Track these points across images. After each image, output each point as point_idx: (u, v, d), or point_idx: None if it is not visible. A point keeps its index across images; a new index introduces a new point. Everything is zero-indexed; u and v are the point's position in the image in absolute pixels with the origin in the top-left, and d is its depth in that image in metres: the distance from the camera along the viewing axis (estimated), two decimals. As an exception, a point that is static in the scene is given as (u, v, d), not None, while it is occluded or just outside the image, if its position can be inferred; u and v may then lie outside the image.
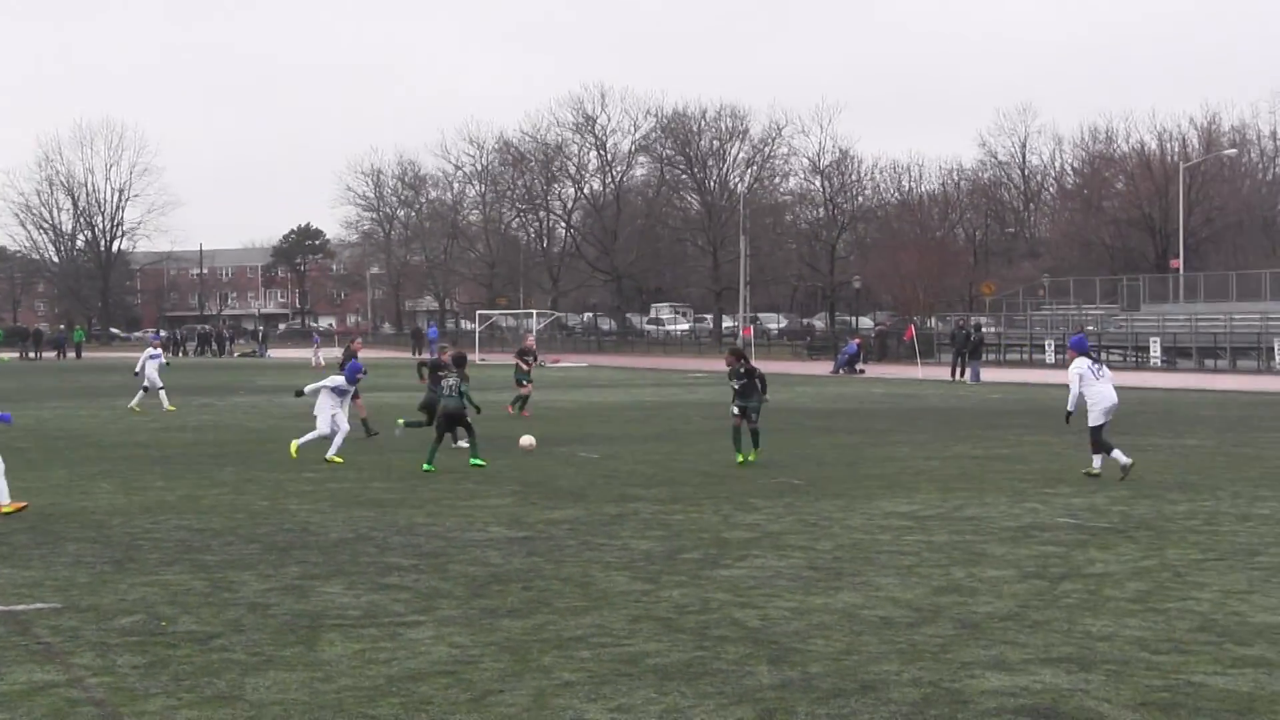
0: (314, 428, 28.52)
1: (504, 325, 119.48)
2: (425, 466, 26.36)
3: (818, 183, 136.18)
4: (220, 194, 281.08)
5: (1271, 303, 78.52)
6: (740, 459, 27.13)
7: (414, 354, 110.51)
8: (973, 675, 11.18)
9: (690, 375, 72.64)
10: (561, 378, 68.64)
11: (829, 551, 17.12)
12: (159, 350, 47.68)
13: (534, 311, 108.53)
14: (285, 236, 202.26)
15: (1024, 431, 34.90)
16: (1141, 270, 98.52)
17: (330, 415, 28.43)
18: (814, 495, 22.54)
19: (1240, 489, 23.10)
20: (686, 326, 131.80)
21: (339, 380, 28.97)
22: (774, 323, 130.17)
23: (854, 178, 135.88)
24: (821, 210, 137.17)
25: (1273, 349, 72.88)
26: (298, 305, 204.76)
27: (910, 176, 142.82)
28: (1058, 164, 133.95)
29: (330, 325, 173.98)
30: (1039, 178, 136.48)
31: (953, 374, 66.68)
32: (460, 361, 27.99)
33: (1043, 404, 42.87)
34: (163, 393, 44.41)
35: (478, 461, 26.74)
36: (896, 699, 10.51)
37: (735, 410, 27.44)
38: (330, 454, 27.82)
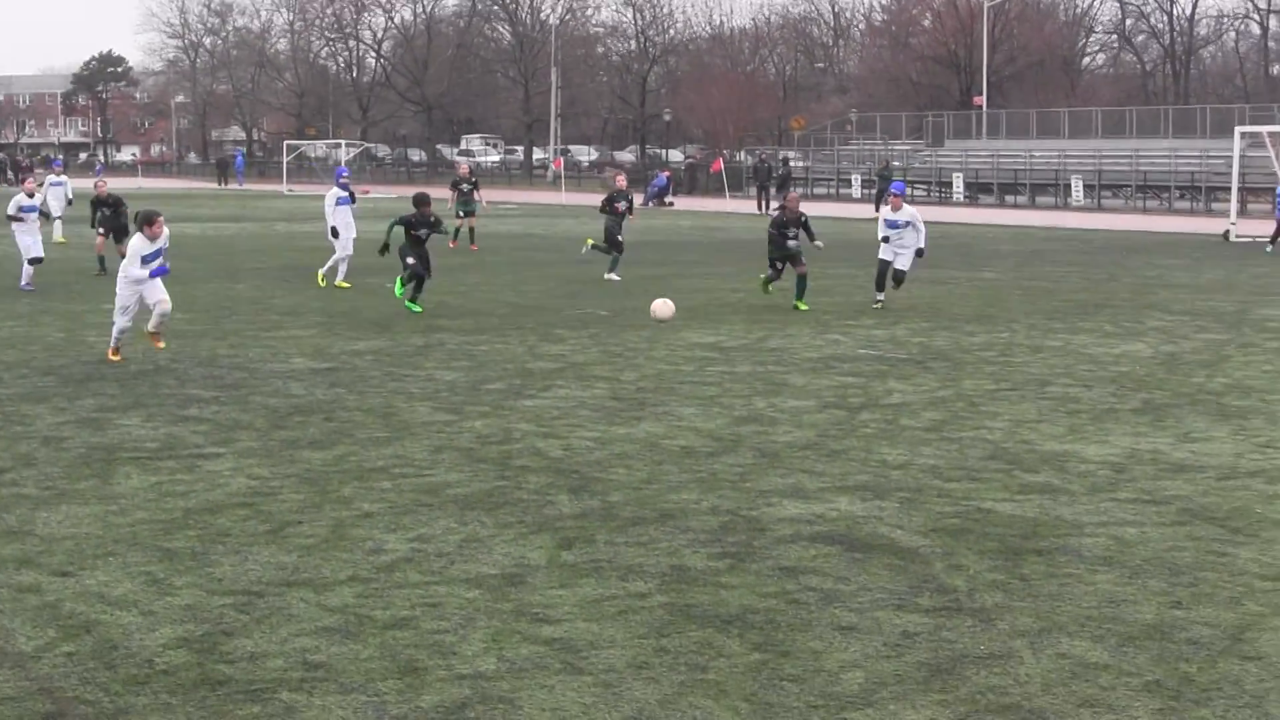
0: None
1: (312, 156, 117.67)
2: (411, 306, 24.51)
3: (629, 15, 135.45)
4: (13, 15, 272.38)
5: (1070, 140, 79.73)
6: (803, 305, 25.20)
7: (220, 184, 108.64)
8: (770, 503, 11.36)
9: (501, 206, 72.26)
10: (371, 209, 67.97)
11: (633, 382, 17.23)
12: (62, 178, 45.75)
13: (343, 142, 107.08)
14: (86, 64, 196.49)
15: (829, 264, 35.15)
16: (946, 107, 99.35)
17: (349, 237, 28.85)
18: (619, 326, 22.62)
19: (1035, 321, 23.56)
20: (497, 158, 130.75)
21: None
22: (585, 155, 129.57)
23: (665, 10, 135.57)
24: (633, 43, 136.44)
25: (1070, 185, 74.14)
26: (100, 134, 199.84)
27: (721, 10, 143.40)
28: (868, 1, 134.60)
29: (134, 155, 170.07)
30: (849, 14, 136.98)
31: (759, 206, 67.11)
32: (416, 202, 25.02)
33: (849, 237, 43.27)
34: (59, 223, 42.75)
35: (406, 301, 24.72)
36: (695, 527, 10.66)
37: (776, 267, 25.81)
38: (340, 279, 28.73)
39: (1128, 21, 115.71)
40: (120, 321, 18.62)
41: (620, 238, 31.48)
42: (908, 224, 25.76)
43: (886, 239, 25.69)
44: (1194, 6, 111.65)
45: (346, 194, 28.86)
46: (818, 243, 25.84)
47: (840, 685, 7.60)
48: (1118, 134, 78.92)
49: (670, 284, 29.77)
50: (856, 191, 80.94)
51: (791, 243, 25.27)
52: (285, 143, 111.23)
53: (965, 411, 15.44)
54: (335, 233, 28.38)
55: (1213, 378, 17.97)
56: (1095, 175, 73.84)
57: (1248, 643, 8.29)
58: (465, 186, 41.94)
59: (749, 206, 69.05)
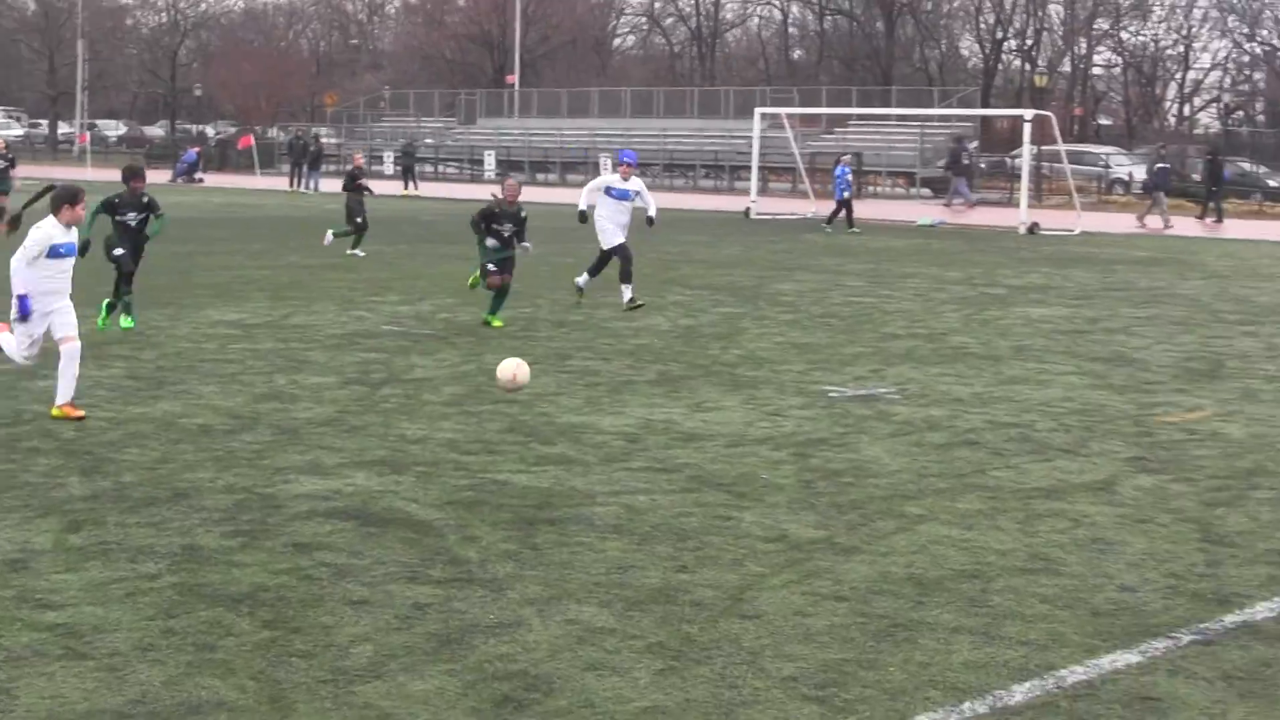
0: None
1: None
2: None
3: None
4: None
5: (599, 119, 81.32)
6: (498, 321, 20.40)
7: None
8: (287, 480, 11.31)
9: (26, 182, 69.78)
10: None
11: (152, 361, 16.89)
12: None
13: None
14: None
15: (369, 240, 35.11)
16: (480, 85, 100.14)
17: None
18: (142, 305, 22.03)
19: (559, 297, 23.92)
20: (20, 133, 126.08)
21: None
22: (113, 130, 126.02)
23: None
24: (164, 16, 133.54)
25: (599, 163, 75.55)
26: None
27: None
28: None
29: None
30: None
31: (291, 183, 66.57)
32: (124, 176, 19.25)
33: (382, 213, 43.06)
34: None
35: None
36: (209, 505, 10.54)
37: (493, 266, 20.27)
38: None
39: (657, 4, 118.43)
40: (19, 348, 13.76)
41: (359, 219, 31.60)
42: (637, 194, 23.06)
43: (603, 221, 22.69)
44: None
45: None
46: (526, 244, 20.84)
47: (349, 659, 7.62)
48: (646, 114, 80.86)
49: (195, 260, 29.23)
50: (388, 168, 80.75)
51: (492, 241, 20.36)
52: None
53: (486, 386, 15.60)
54: None
55: (727, 349, 18.60)
56: (624, 154, 75.38)
57: (747, 602, 8.62)
58: (1, 163, 40.01)
59: (281, 183, 68.41)
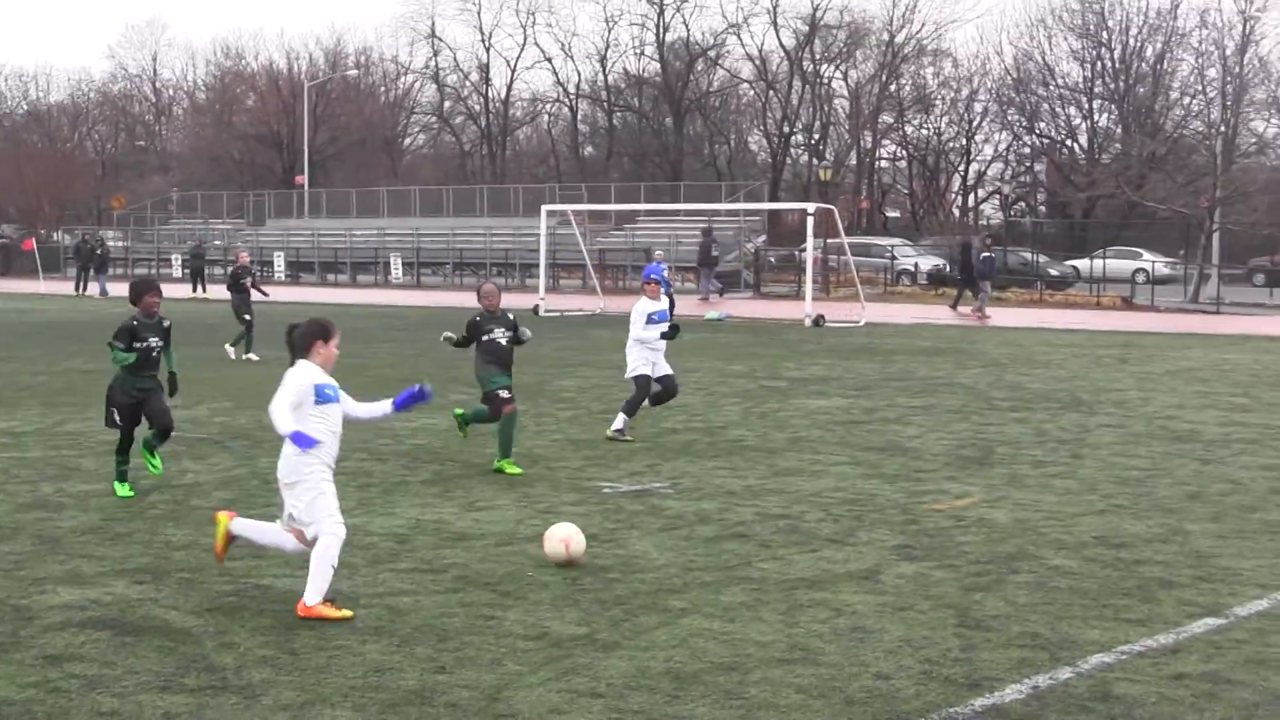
0: None
1: None
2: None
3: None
4: None
5: (389, 219, 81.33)
6: (511, 466, 16.97)
7: None
8: (43, 590, 11.11)
9: None
10: None
11: (-87, 472, 16.52)
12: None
13: None
14: None
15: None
16: (269, 186, 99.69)
17: None
18: (-94, 415, 21.63)
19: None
20: None
21: None
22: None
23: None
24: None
25: (389, 263, 75.47)
26: None
27: (38, 86, 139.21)
28: (190, 79, 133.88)
29: None
30: (171, 92, 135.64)
31: (77, 288, 65.61)
32: (135, 293, 16.00)
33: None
34: None
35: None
36: (-39, 621, 10.32)
37: (504, 391, 17.26)
38: None
39: (446, 104, 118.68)
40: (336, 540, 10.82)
41: (248, 315, 31.31)
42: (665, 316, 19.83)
43: (641, 340, 19.64)
44: (508, 91, 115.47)
45: None
46: (526, 332, 18.07)
47: (93, 772, 7.48)
48: (436, 213, 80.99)
49: (-31, 368, 28.62)
50: (177, 271, 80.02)
51: (503, 340, 17.47)
52: None
53: (258, 490, 15.47)
54: None
55: (504, 448, 18.55)
56: (414, 253, 75.43)
57: (503, 701, 8.60)
58: None
59: (66, 287, 67.38)
